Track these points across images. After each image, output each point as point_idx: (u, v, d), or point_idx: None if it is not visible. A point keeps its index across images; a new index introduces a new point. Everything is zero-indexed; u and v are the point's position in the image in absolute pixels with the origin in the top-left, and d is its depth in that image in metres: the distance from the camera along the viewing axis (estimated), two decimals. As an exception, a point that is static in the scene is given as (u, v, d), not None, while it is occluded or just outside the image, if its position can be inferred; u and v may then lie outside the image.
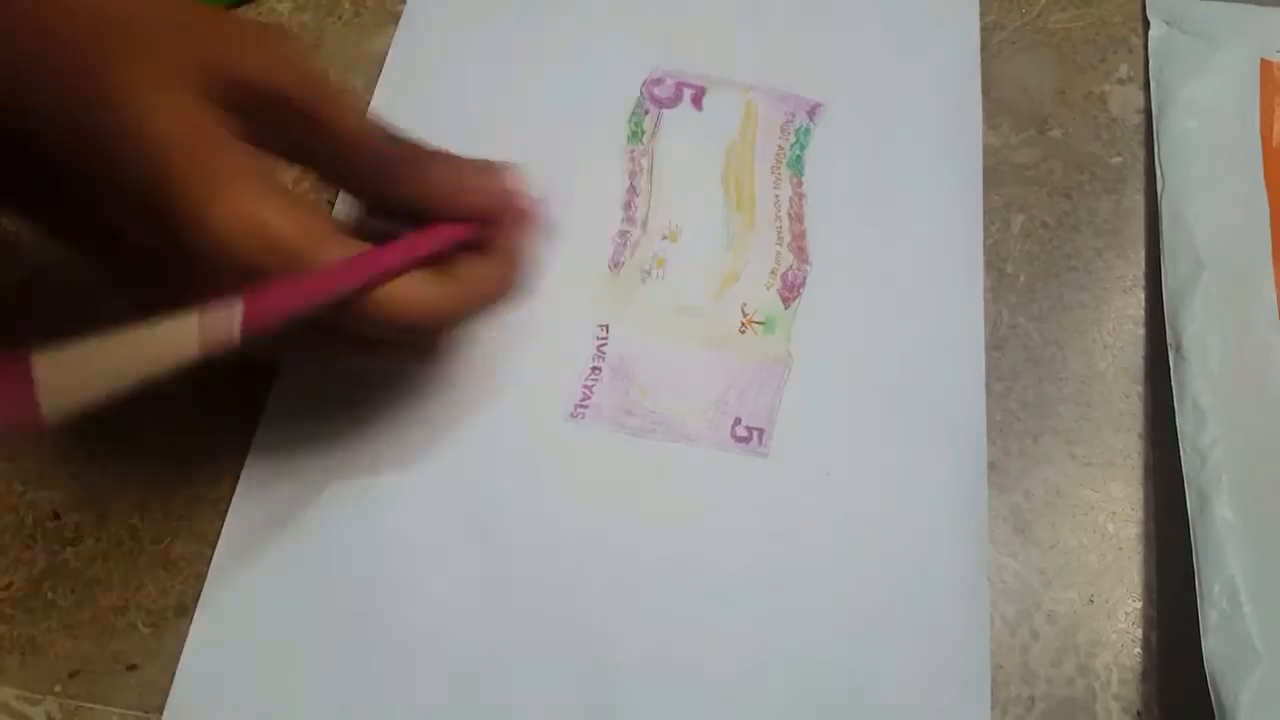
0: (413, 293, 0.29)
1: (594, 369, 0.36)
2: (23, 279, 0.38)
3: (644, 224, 0.39)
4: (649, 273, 0.38)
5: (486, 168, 0.31)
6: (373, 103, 0.41)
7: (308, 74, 0.28)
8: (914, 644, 0.32)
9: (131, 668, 0.32)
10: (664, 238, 0.39)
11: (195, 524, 0.34)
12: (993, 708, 0.31)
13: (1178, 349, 0.36)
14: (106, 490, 0.35)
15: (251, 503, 0.34)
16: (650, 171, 0.40)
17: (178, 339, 0.25)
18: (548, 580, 0.33)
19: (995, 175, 0.40)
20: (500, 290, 0.31)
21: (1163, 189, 0.39)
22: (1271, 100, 0.41)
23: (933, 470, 0.35)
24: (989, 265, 0.38)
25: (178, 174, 0.26)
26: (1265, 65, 0.42)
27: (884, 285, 0.38)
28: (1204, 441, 0.34)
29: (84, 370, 0.24)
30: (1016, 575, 0.33)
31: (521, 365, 0.36)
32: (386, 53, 0.43)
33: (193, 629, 0.33)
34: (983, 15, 0.44)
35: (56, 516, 0.34)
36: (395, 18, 0.44)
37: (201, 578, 0.33)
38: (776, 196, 0.40)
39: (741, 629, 0.33)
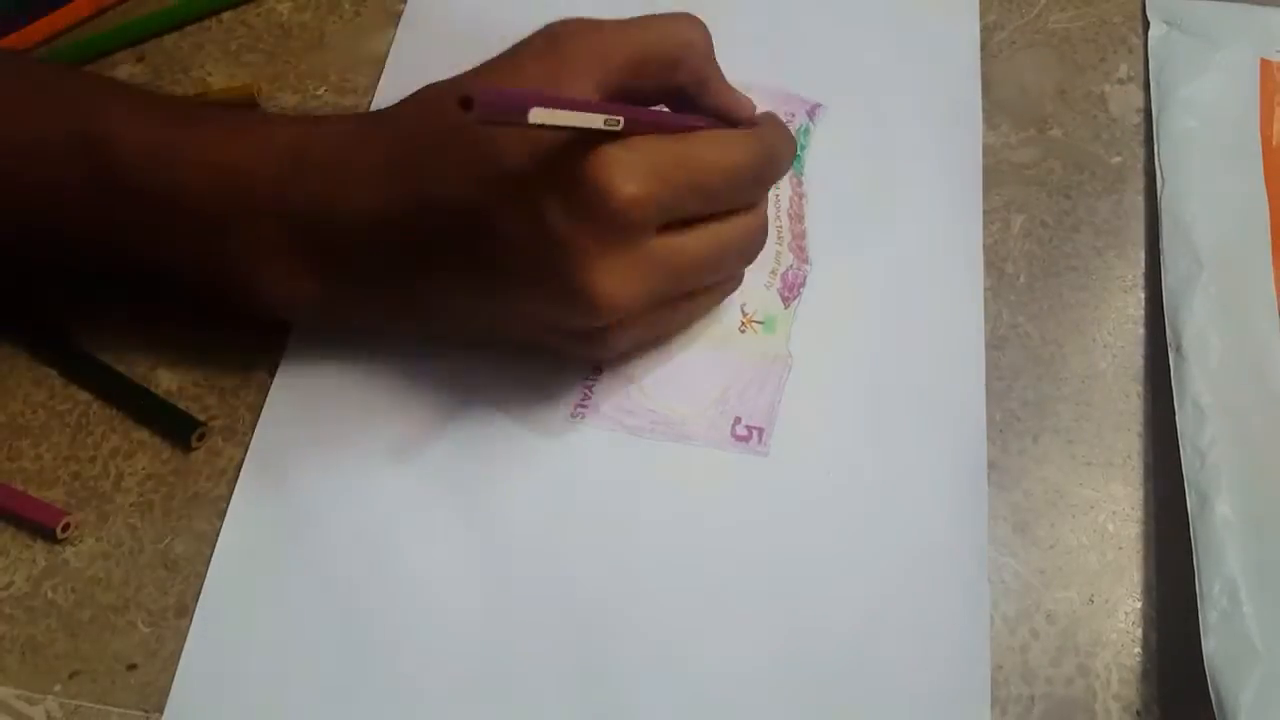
0: (732, 138, 0.32)
1: (594, 369, 0.36)
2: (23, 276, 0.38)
3: (644, 224, 0.39)
4: (649, 273, 0.38)
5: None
6: (373, 103, 0.42)
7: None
8: (914, 643, 0.32)
9: (131, 668, 0.32)
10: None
11: (195, 524, 0.34)
12: (993, 707, 0.31)
13: (1178, 349, 0.36)
14: (107, 490, 0.35)
15: (251, 503, 0.34)
16: (650, 171, 0.40)
17: None
18: (548, 580, 0.33)
19: (995, 175, 0.40)
20: (783, 144, 0.34)
21: (1162, 189, 0.39)
22: (1271, 100, 0.41)
23: (933, 470, 0.35)
24: (989, 265, 0.38)
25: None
26: (1265, 65, 0.42)
27: (884, 285, 0.38)
28: (1204, 441, 0.34)
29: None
30: (1016, 575, 0.33)
31: (521, 365, 0.36)
32: (387, 52, 0.43)
33: (193, 629, 0.33)
34: (983, 15, 0.44)
35: (56, 516, 0.34)
36: (395, 18, 0.44)
37: (201, 578, 0.33)
38: (776, 196, 0.40)
39: (741, 628, 0.32)
